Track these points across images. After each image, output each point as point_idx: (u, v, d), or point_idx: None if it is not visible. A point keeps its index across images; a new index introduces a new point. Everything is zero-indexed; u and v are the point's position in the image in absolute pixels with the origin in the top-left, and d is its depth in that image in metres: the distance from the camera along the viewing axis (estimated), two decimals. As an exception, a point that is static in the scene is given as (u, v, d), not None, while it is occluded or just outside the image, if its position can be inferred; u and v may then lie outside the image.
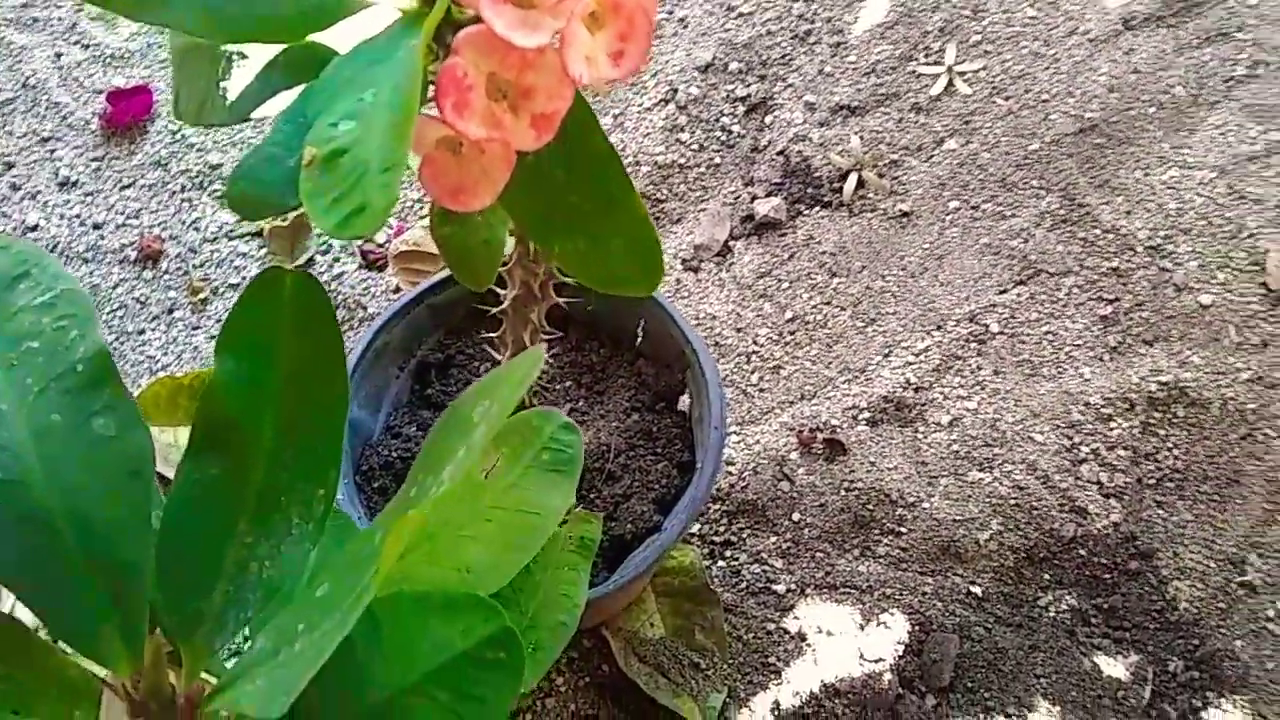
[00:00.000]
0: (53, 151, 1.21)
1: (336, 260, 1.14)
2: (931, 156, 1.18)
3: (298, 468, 0.47)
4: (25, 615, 0.50)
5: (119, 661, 0.43)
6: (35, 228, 1.15)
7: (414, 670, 0.45)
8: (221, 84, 0.49)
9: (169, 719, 0.43)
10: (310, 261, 1.14)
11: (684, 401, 0.91)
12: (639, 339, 0.93)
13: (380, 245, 1.14)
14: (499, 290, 0.79)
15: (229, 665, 0.48)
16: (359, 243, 1.14)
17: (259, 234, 1.15)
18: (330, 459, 0.47)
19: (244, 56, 0.49)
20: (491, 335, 0.81)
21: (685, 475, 0.88)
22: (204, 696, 0.43)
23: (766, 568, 1.00)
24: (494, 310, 0.76)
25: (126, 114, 1.20)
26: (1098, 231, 1.13)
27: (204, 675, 0.47)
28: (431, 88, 0.40)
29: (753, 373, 1.08)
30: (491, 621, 0.45)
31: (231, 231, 1.16)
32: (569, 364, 0.94)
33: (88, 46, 1.28)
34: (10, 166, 1.20)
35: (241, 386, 0.47)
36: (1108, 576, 1.00)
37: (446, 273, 0.92)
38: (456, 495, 0.51)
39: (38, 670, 0.45)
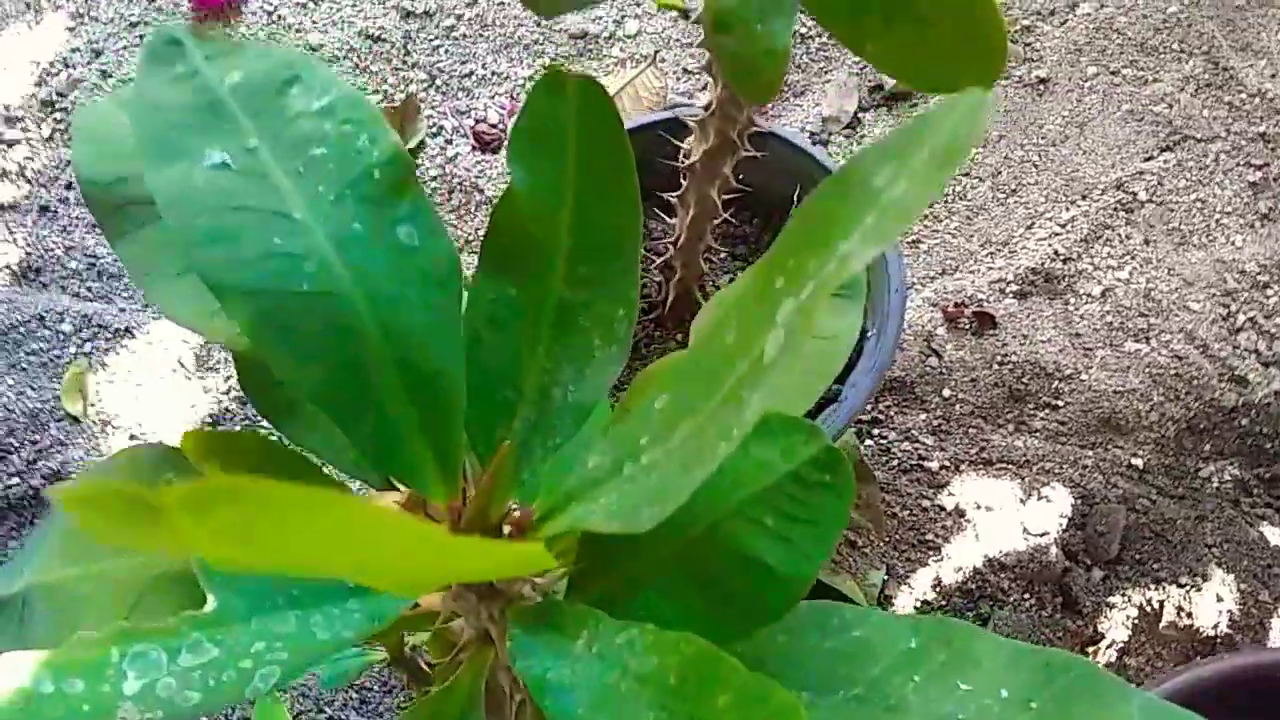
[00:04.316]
0: (142, 37, 1.16)
1: (448, 143, 1.10)
2: (1065, 21, 1.12)
3: (596, 284, 0.43)
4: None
5: (434, 485, 0.40)
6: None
7: (735, 496, 0.42)
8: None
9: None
10: (421, 145, 1.09)
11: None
12: (794, 206, 0.89)
13: (494, 125, 1.10)
14: (678, 145, 0.75)
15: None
16: (471, 124, 1.10)
17: (366, 117, 1.10)
18: (628, 274, 0.44)
19: None
20: (667, 194, 0.77)
21: (855, 345, 0.85)
22: (533, 520, 0.40)
23: (918, 445, 0.97)
24: (682, 166, 0.72)
25: (219, -4, 1.15)
26: (1243, 95, 1.08)
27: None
28: None
29: (890, 248, 1.05)
30: (813, 442, 0.42)
31: (337, 116, 1.12)
32: (721, 235, 0.90)
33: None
34: (99, 54, 1.15)
35: (535, 196, 0.43)
36: (1269, 446, 0.97)
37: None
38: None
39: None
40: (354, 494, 0.31)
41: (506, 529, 0.41)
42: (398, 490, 0.43)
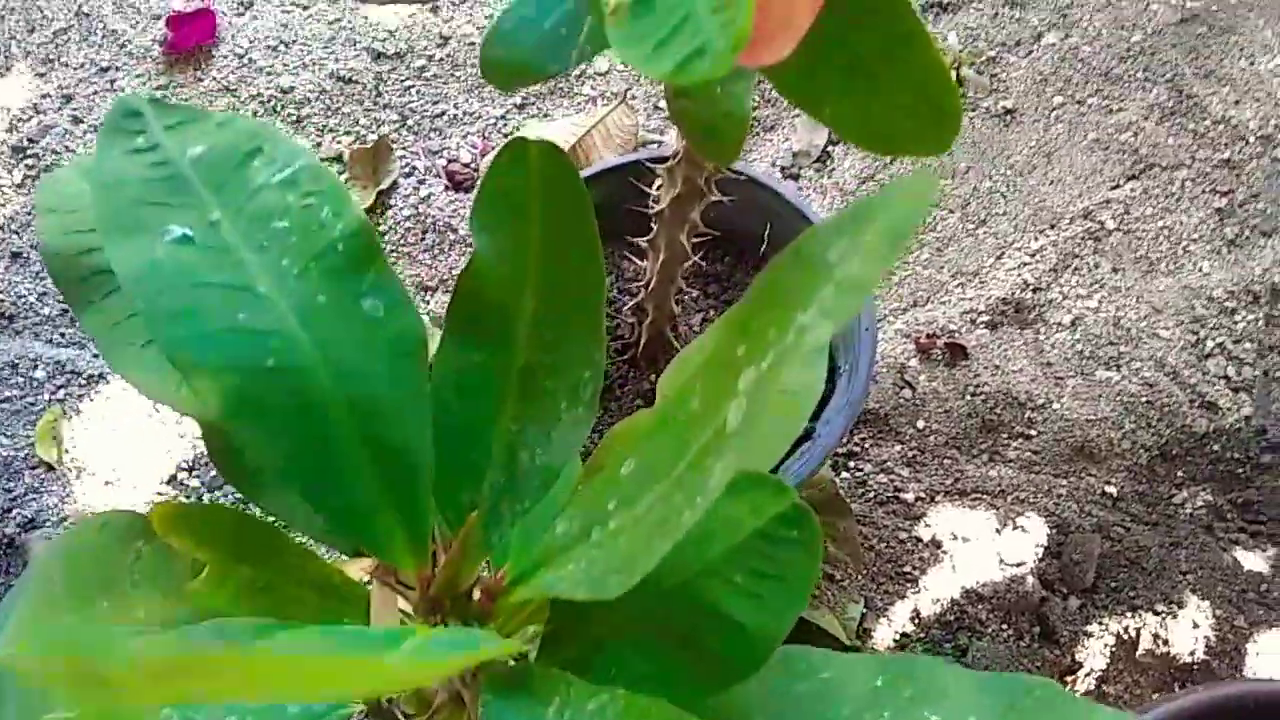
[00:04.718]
0: (113, 82, 1.16)
1: (421, 183, 1.10)
2: (1031, 51, 1.14)
3: (561, 347, 0.44)
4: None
5: (402, 555, 0.40)
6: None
7: (706, 553, 0.43)
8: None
9: (461, 614, 0.40)
10: (394, 185, 1.10)
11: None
12: (764, 245, 0.89)
13: (466, 165, 1.10)
14: (645, 189, 0.75)
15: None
16: (444, 164, 1.10)
17: (339, 159, 1.11)
18: (592, 336, 0.44)
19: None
20: (636, 239, 0.77)
21: (827, 381, 0.85)
22: (503, 586, 0.40)
23: (893, 477, 0.98)
24: (651, 212, 0.73)
25: (189, 39, 1.15)
26: (1207, 123, 1.10)
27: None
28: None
29: (862, 280, 1.05)
30: (780, 499, 0.43)
31: (309, 157, 1.12)
32: (693, 273, 0.90)
33: (137, -26, 1.23)
34: (69, 99, 1.15)
35: (499, 262, 0.43)
36: (1241, 470, 0.98)
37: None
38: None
39: (300, 576, 0.42)
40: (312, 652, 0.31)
41: (476, 594, 0.41)
42: (368, 557, 0.43)
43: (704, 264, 0.90)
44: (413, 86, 1.15)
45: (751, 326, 0.36)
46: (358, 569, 0.45)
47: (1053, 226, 1.06)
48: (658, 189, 0.72)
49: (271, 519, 0.46)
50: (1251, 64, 1.12)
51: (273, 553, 0.42)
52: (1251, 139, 1.08)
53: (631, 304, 0.82)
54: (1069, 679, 0.90)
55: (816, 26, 0.41)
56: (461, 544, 0.38)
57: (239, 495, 0.97)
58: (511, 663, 0.42)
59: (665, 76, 0.33)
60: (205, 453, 0.98)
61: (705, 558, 0.43)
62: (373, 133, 1.12)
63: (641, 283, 0.79)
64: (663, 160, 0.71)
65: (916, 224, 0.32)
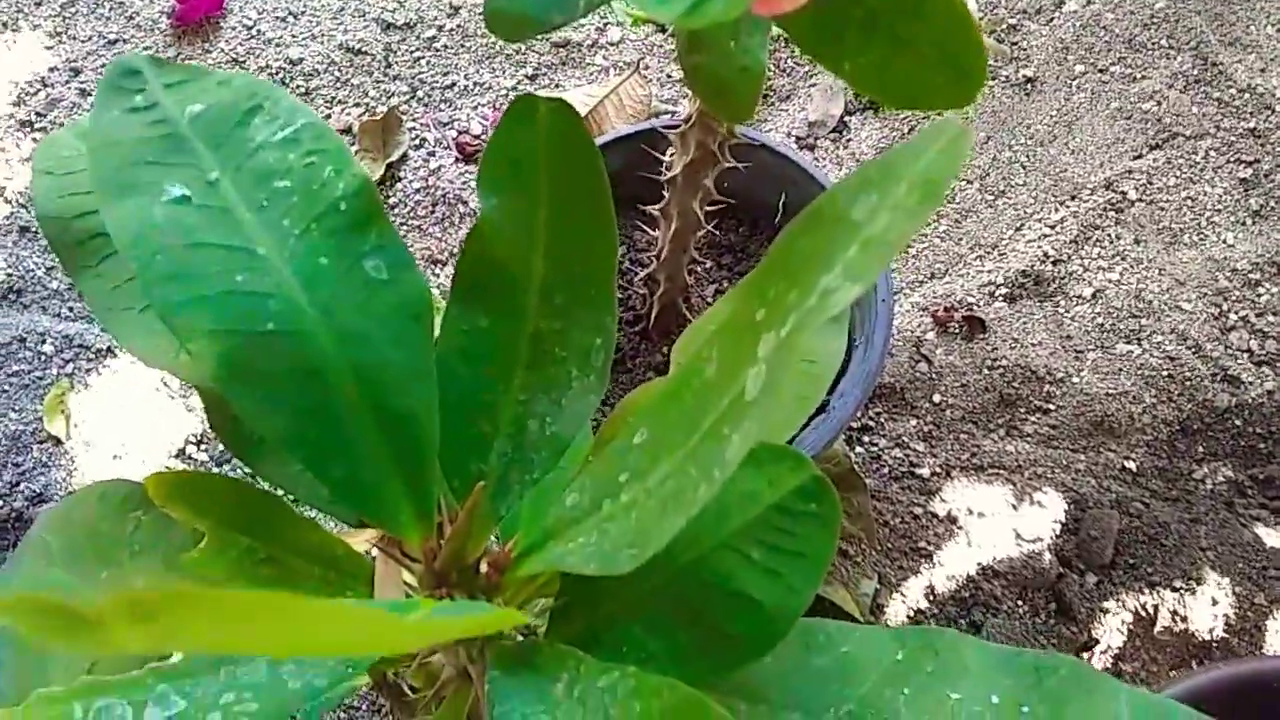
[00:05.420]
0: (121, 54, 1.15)
1: (432, 155, 1.08)
2: (1052, 19, 1.12)
3: (571, 313, 0.42)
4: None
5: (407, 526, 0.39)
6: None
7: (722, 527, 0.41)
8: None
9: (467, 587, 0.39)
10: (404, 157, 1.08)
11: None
12: (779, 215, 0.88)
13: (477, 137, 1.09)
14: (659, 157, 0.74)
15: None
16: (454, 135, 1.09)
17: (348, 131, 1.09)
18: (604, 302, 0.43)
19: None
20: (649, 207, 0.76)
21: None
22: (511, 559, 0.39)
23: (908, 451, 0.96)
24: (664, 179, 0.71)
25: (197, 10, 1.14)
26: (1233, 91, 1.07)
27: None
28: None
29: (878, 253, 1.04)
30: (799, 471, 0.41)
31: (318, 129, 1.10)
32: (707, 244, 0.89)
33: (144, -57, 1.21)
34: (77, 72, 1.14)
35: (507, 224, 0.42)
36: (1263, 446, 0.96)
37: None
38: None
39: (302, 547, 0.41)
40: (299, 591, 0.30)
41: (484, 568, 0.40)
42: (372, 529, 0.42)
43: (717, 234, 0.89)
44: (423, 57, 1.13)
45: (770, 290, 0.35)
46: (362, 541, 0.44)
47: (1073, 197, 1.04)
48: (670, 155, 0.71)
49: (274, 489, 0.45)
50: (1278, 30, 1.09)
51: (273, 523, 0.41)
52: (1278, 107, 1.06)
53: (644, 274, 0.81)
54: (1085, 656, 0.89)
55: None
56: (468, 515, 0.37)
57: (247, 469, 0.96)
58: (520, 638, 0.41)
59: (677, 19, 0.32)
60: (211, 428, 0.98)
61: (720, 532, 0.41)
62: (382, 104, 1.11)
63: (654, 252, 0.78)
64: (676, 127, 0.69)
65: (951, 176, 0.30)
